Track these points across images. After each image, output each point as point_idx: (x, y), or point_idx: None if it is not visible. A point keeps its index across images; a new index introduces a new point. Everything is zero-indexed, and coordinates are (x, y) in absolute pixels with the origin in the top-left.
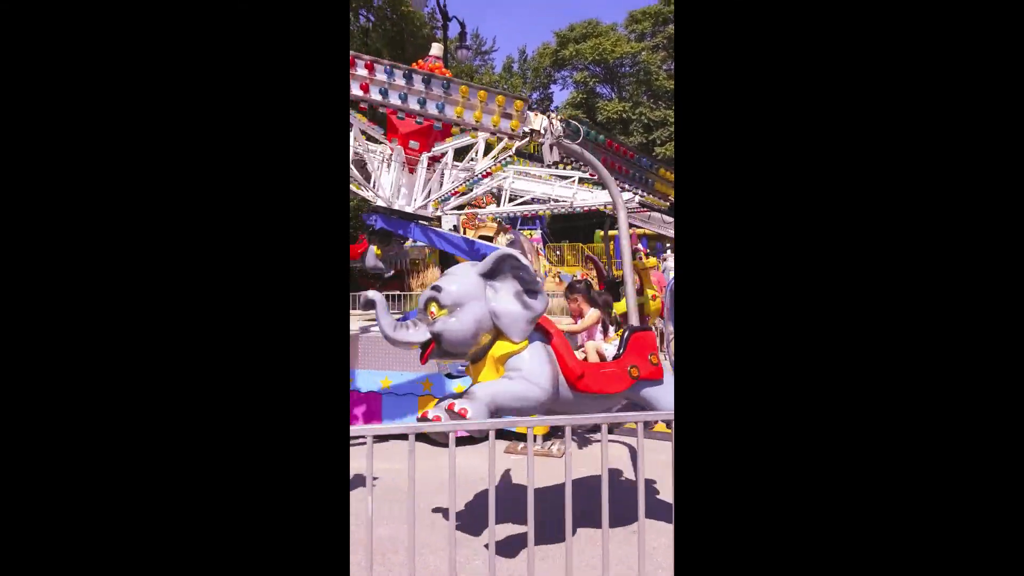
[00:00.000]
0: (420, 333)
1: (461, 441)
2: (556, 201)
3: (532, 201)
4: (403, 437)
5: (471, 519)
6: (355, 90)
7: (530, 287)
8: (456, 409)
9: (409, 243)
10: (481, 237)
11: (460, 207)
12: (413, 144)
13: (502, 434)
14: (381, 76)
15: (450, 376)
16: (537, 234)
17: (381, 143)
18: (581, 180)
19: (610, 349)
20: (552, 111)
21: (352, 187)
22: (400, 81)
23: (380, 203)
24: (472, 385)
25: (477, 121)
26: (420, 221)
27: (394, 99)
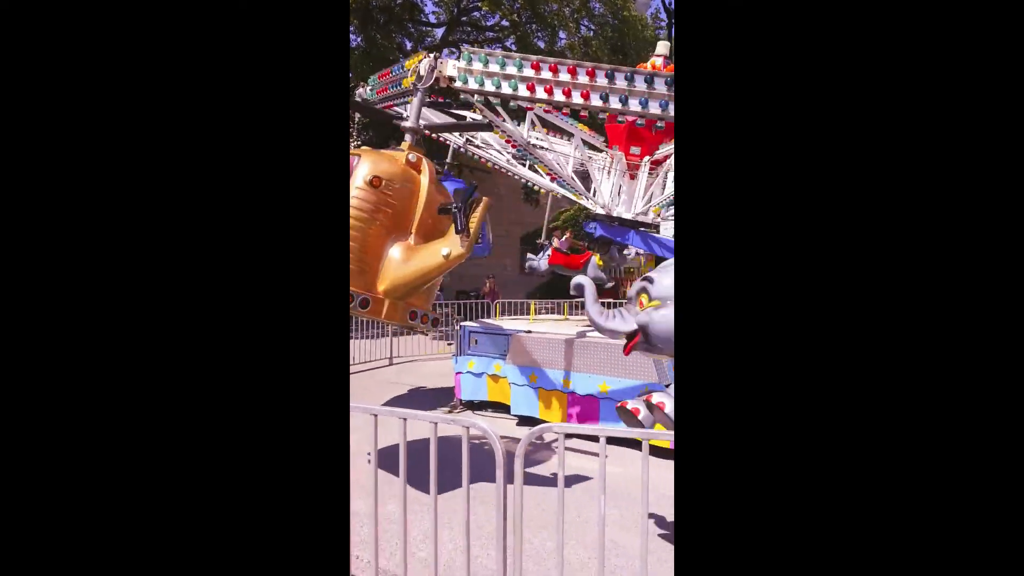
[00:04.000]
0: (627, 322)
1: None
2: None
3: None
4: (595, 439)
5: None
6: (576, 98)
7: None
8: (655, 401)
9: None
10: None
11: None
12: (635, 150)
13: None
14: (602, 81)
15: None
16: None
17: (602, 151)
18: None
19: None
20: None
21: (572, 196)
22: (621, 84)
23: (599, 211)
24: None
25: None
26: (640, 228)
27: (615, 103)
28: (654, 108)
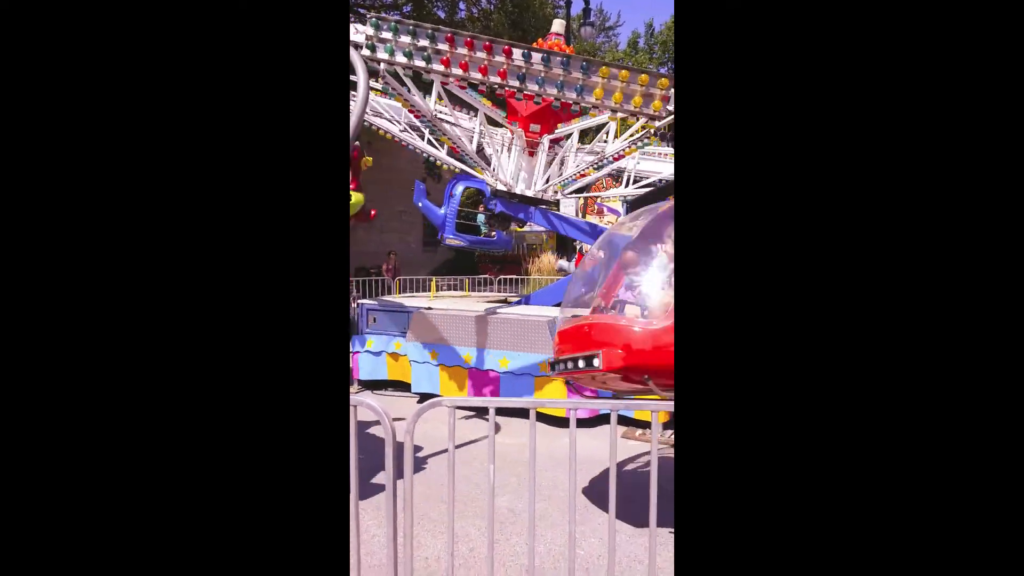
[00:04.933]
0: None
1: (580, 423)
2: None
3: (657, 184)
4: (524, 414)
5: (589, 498)
6: (493, 77)
7: None
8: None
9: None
10: None
11: (580, 191)
12: (534, 127)
13: (622, 420)
14: (519, 61)
15: None
16: None
17: (503, 126)
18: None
19: None
20: None
21: (475, 172)
22: (538, 66)
23: (500, 187)
24: None
25: (617, 103)
26: (541, 205)
27: (532, 85)
28: (571, 92)
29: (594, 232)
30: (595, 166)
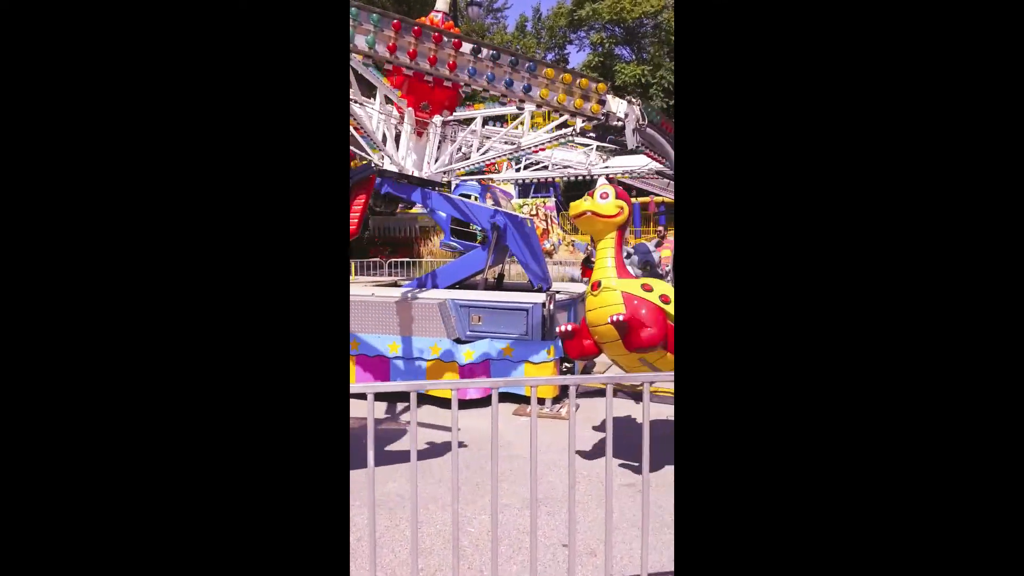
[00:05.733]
0: None
1: (471, 404)
2: (572, 168)
3: (548, 167)
4: (405, 397)
5: (481, 478)
6: (443, 70)
7: None
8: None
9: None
10: None
11: (469, 174)
12: (425, 106)
13: (515, 398)
14: (467, 55)
15: (459, 341)
16: (551, 202)
17: (390, 103)
18: (598, 148)
19: None
20: (634, 98)
21: (370, 151)
22: (487, 62)
23: (391, 167)
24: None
25: (560, 103)
26: (429, 187)
27: (482, 80)
28: (518, 90)
29: (483, 214)
30: (511, 156)
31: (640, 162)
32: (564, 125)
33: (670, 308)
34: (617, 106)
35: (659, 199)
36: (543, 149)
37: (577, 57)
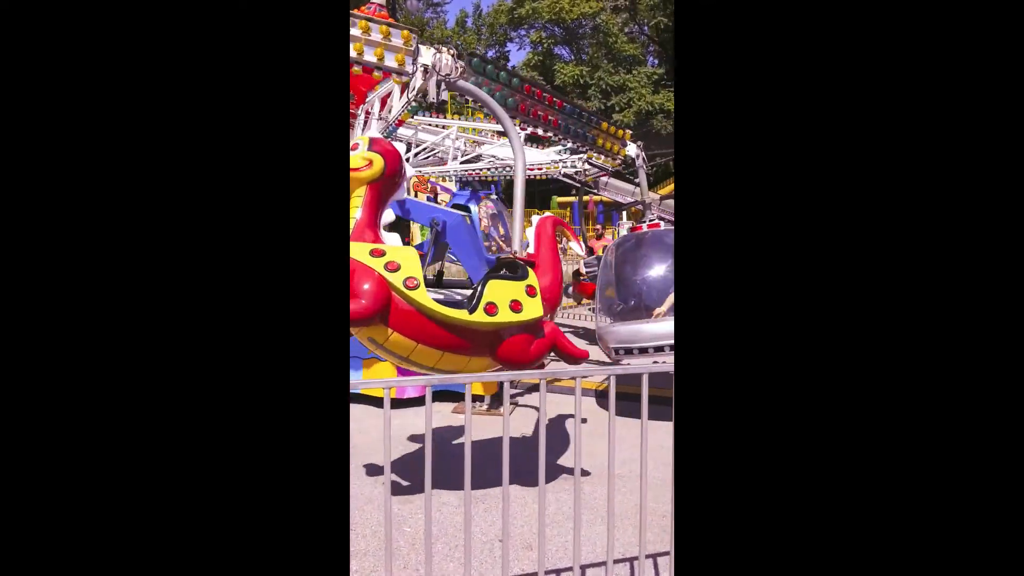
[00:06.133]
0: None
1: (408, 403)
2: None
3: (479, 159)
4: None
5: (420, 477)
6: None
7: None
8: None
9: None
10: None
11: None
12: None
13: (455, 396)
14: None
15: None
16: (493, 199)
17: None
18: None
19: None
20: (448, 45)
21: None
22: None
23: None
24: None
25: (359, 54)
26: None
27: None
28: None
29: (427, 212)
30: (384, 133)
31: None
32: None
33: (396, 277)
34: (631, 149)
35: (597, 198)
36: (402, 122)
37: (518, 55)
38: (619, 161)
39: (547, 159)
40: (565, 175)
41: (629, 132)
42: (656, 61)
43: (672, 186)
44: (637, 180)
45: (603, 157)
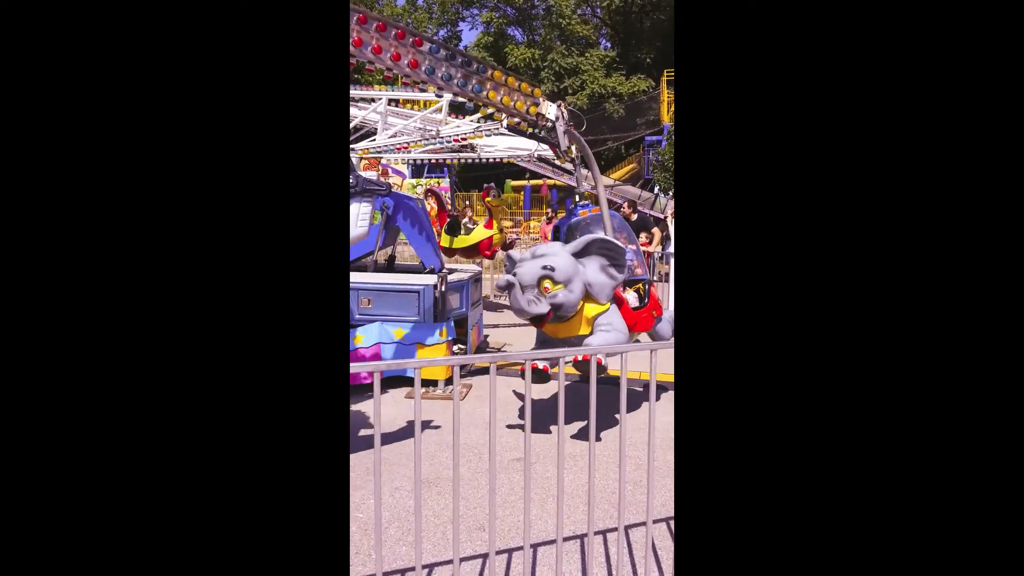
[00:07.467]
0: (543, 305)
1: (362, 388)
2: (465, 150)
3: (442, 147)
4: None
5: (372, 462)
6: (405, 67)
7: (616, 261)
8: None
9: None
10: None
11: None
12: None
13: (410, 381)
14: (427, 54)
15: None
16: (445, 183)
17: None
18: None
19: (631, 298)
20: (562, 101)
21: None
22: (444, 60)
23: None
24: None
25: (504, 104)
26: None
27: (437, 79)
28: (470, 90)
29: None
30: (425, 140)
31: (528, 146)
32: (490, 118)
33: None
34: (548, 109)
35: (551, 182)
36: (465, 139)
37: (469, 35)
38: (537, 124)
39: (470, 129)
40: (541, 159)
41: (540, 88)
42: (609, 44)
43: (624, 171)
44: (559, 145)
45: (515, 120)
